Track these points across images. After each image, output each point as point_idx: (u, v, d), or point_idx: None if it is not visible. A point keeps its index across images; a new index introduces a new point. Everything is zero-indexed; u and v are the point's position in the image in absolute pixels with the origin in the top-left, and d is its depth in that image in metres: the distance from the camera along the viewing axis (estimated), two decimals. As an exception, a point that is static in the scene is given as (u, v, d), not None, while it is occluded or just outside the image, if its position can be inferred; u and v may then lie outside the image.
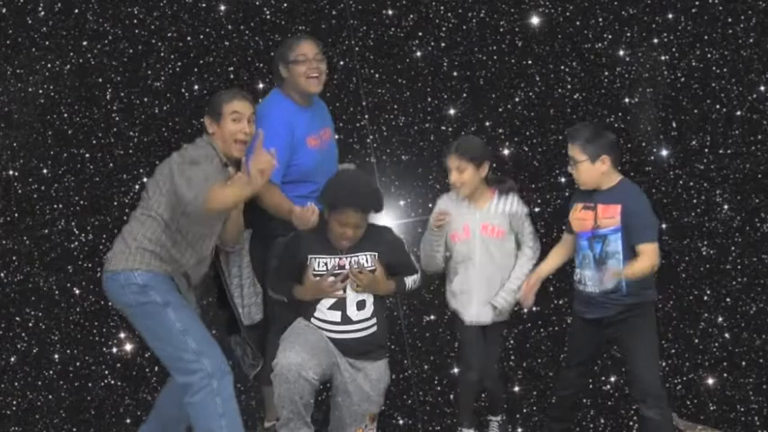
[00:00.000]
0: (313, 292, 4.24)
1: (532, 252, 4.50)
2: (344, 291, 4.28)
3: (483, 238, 4.45)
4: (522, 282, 4.47)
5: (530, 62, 5.60)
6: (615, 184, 4.29)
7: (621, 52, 5.58)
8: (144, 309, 4.00)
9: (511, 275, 4.48)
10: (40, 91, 5.41)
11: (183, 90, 5.49)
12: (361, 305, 4.29)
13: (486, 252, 4.46)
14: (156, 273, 3.99)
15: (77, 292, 5.43)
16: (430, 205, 4.68)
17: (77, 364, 5.42)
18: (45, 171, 5.42)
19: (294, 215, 4.24)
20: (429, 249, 4.50)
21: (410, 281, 4.39)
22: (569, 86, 5.60)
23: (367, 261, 4.28)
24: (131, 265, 3.99)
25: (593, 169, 4.25)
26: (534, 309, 5.57)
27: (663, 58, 5.58)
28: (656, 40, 5.57)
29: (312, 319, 4.29)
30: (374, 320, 4.32)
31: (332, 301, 4.27)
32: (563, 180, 5.53)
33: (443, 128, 5.58)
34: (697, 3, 5.54)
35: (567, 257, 4.50)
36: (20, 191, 5.40)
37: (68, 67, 5.42)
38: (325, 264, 4.26)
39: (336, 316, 4.27)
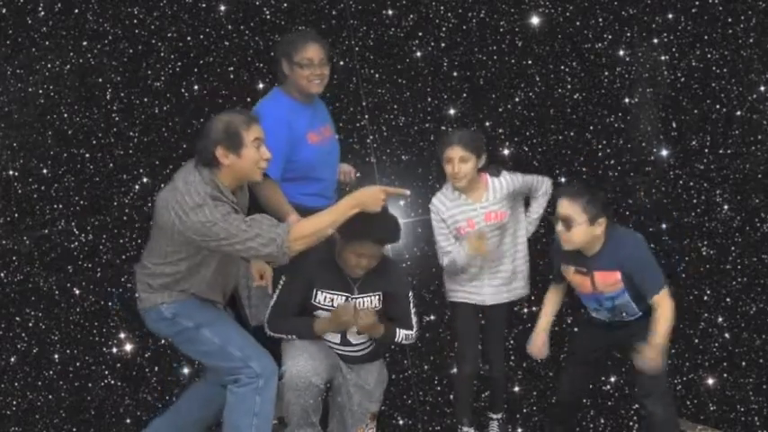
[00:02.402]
0: (336, 323, 4.13)
1: (545, 191, 4.61)
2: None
3: (488, 225, 4.47)
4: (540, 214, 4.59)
5: (530, 62, 5.60)
6: (604, 245, 4.17)
7: (621, 52, 5.58)
8: (181, 336, 4.08)
9: (530, 212, 4.62)
10: (40, 91, 5.40)
11: (182, 90, 5.49)
12: (361, 332, 4.29)
13: (493, 237, 4.48)
14: (181, 301, 4.02)
15: (77, 292, 5.42)
16: (429, 206, 4.68)
17: (77, 364, 5.42)
18: (45, 171, 5.42)
19: (289, 221, 4.18)
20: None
21: (402, 334, 4.29)
22: (569, 86, 5.59)
23: (372, 302, 4.27)
24: (157, 300, 4.04)
25: (589, 231, 4.11)
26: (534, 309, 5.57)
27: (663, 58, 5.57)
28: (656, 40, 5.57)
29: None
30: (371, 341, 4.33)
31: None
32: (563, 180, 5.53)
33: (443, 128, 5.57)
34: (697, 3, 5.54)
35: (561, 302, 4.51)
36: (20, 191, 5.40)
37: (68, 67, 5.41)
38: (332, 300, 4.23)
39: (336, 338, 4.28)
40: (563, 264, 4.32)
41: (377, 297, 4.26)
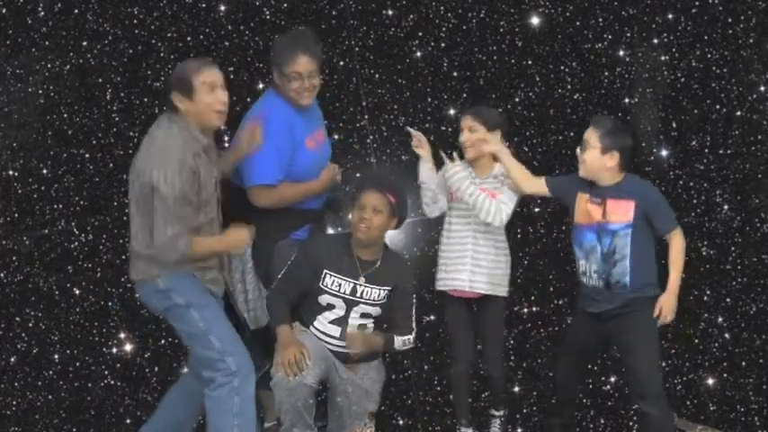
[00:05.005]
0: (285, 349, 4.10)
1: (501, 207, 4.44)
2: (347, 316, 4.25)
3: None
4: (470, 189, 4.41)
5: (530, 62, 5.60)
6: (621, 180, 4.33)
7: (621, 52, 5.58)
8: (171, 312, 4.04)
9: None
10: (40, 91, 5.41)
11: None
12: (361, 327, 4.28)
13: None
14: (179, 274, 3.99)
15: (77, 292, 5.43)
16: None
17: (77, 364, 5.42)
18: (45, 171, 5.42)
19: (325, 180, 4.34)
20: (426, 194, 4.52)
21: (400, 341, 4.28)
22: (569, 86, 5.60)
23: (379, 295, 4.26)
24: (153, 272, 3.99)
25: (598, 160, 4.28)
26: (534, 309, 5.58)
27: (663, 58, 5.58)
28: (656, 41, 5.57)
29: (311, 327, 4.28)
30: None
31: (334, 316, 4.25)
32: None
33: (443, 128, 5.57)
34: (697, 3, 5.54)
35: (530, 177, 4.49)
36: (20, 191, 5.40)
37: (68, 67, 5.42)
38: (339, 285, 4.23)
39: (336, 331, 4.26)
40: (579, 191, 4.38)
41: (384, 291, 4.26)
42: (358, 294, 4.22)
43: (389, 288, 4.26)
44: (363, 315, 4.26)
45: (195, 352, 4.08)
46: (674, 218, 4.35)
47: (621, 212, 4.27)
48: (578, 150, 4.36)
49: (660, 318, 4.27)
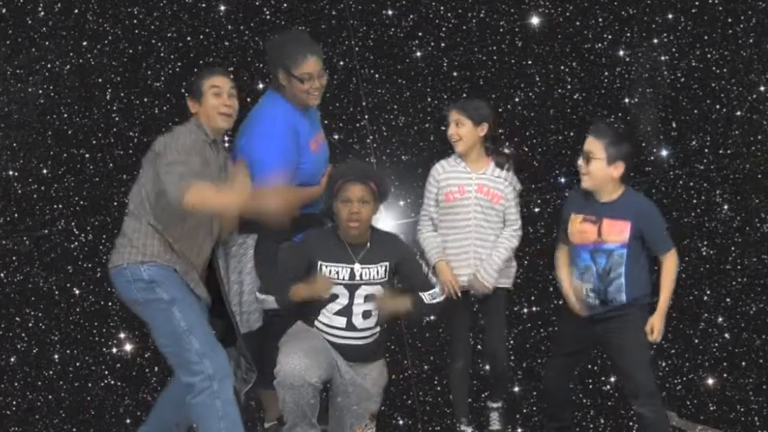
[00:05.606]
0: (310, 290, 4.14)
1: (515, 234, 4.50)
2: (351, 303, 4.26)
3: (478, 198, 4.46)
4: (505, 256, 4.46)
5: (530, 62, 5.60)
6: (620, 196, 4.29)
7: (621, 52, 5.59)
8: (150, 306, 3.98)
9: (492, 252, 4.46)
10: (40, 91, 5.41)
11: (182, 90, 5.49)
12: (366, 314, 4.27)
13: (482, 212, 4.46)
14: (162, 266, 3.98)
15: (77, 292, 5.43)
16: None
17: (77, 364, 5.42)
18: (45, 171, 5.42)
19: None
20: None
21: (428, 295, 4.27)
22: (569, 86, 5.60)
23: (378, 273, 4.27)
24: (137, 257, 3.97)
25: (605, 170, 4.23)
26: (534, 309, 5.58)
27: (663, 58, 5.58)
28: (656, 40, 5.57)
29: (316, 323, 4.27)
30: (377, 329, 4.32)
31: (338, 306, 4.25)
32: (563, 180, 5.53)
33: (443, 128, 5.56)
34: (697, 3, 5.55)
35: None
36: (20, 191, 5.40)
37: (68, 67, 5.42)
38: (337, 272, 4.23)
39: (342, 322, 4.25)
40: (573, 213, 4.35)
41: (382, 268, 4.26)
42: (357, 277, 4.22)
43: (387, 262, 4.26)
44: (368, 298, 4.25)
45: (169, 351, 4.02)
46: (670, 239, 4.32)
47: (617, 232, 4.24)
48: (580, 162, 4.30)
49: (651, 337, 4.26)
